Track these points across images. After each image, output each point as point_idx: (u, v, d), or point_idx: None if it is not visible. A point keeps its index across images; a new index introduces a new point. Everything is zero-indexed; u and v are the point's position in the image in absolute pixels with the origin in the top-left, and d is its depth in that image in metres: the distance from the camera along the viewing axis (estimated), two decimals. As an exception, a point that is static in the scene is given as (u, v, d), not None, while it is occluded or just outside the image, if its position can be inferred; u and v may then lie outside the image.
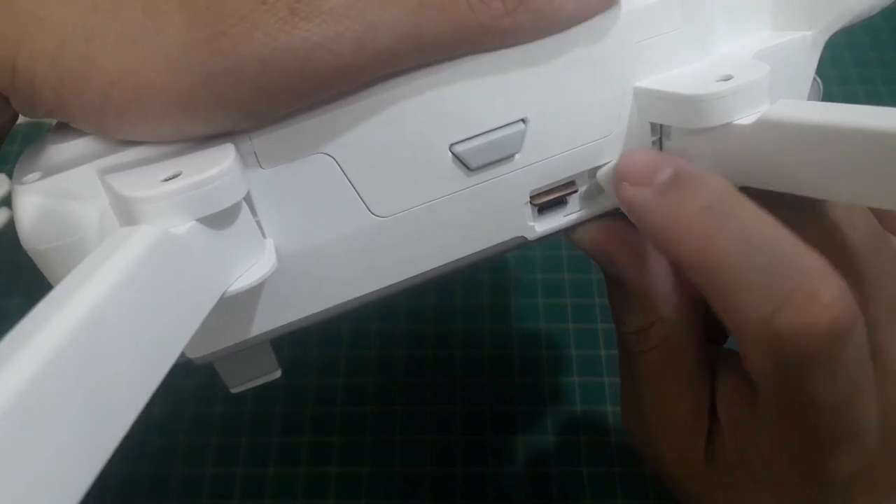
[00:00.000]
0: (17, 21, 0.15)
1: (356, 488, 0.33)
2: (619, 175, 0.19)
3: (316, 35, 0.15)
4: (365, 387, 0.36)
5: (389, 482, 0.33)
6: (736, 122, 0.17)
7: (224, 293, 0.16)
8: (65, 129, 0.17)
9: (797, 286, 0.16)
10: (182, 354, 0.19)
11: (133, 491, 0.34)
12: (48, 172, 0.16)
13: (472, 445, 0.34)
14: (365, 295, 0.20)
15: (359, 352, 0.37)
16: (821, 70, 0.21)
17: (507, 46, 0.17)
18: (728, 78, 0.17)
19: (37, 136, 0.18)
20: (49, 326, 0.12)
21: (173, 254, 0.15)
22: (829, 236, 0.18)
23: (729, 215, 0.17)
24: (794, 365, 0.16)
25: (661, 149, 0.19)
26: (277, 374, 0.22)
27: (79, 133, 0.17)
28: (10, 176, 0.17)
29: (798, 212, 0.18)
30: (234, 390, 0.22)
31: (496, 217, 0.19)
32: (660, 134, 0.19)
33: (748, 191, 0.18)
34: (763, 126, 0.17)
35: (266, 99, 0.16)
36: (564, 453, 0.34)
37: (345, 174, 0.18)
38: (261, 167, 0.17)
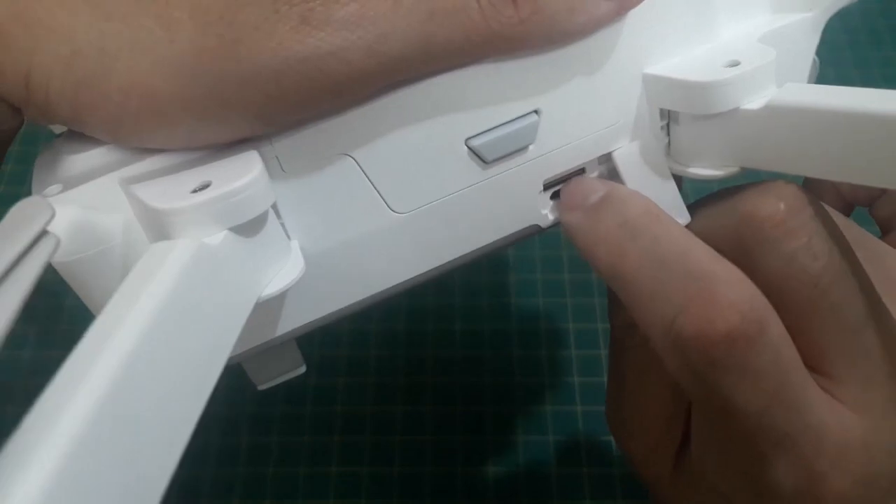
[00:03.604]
0: (29, 32, 0.15)
1: (356, 488, 0.33)
2: (561, 203, 0.20)
3: (327, 44, 0.15)
4: (365, 387, 0.36)
5: (389, 482, 0.33)
6: (744, 108, 0.17)
7: (258, 299, 0.17)
8: (78, 136, 0.17)
9: (698, 292, 0.16)
10: None
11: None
12: (69, 184, 0.16)
13: (471, 445, 0.34)
14: (387, 289, 0.20)
15: (359, 352, 0.37)
16: (821, 71, 0.21)
17: (518, 55, 0.17)
18: (735, 63, 0.17)
19: (36, 137, 0.18)
20: (99, 366, 0.12)
21: (210, 266, 0.15)
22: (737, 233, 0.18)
23: (642, 229, 0.18)
24: (702, 369, 0.16)
25: (668, 134, 0.20)
26: (303, 369, 0.22)
27: (95, 142, 0.17)
28: (9, 173, 0.17)
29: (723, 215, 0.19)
30: (262, 387, 0.22)
31: (511, 207, 0.20)
32: (668, 119, 0.19)
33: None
34: (771, 111, 0.17)
35: (280, 106, 0.16)
36: (564, 453, 0.34)
37: (364, 174, 0.18)
38: (283, 170, 0.17)
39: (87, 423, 0.11)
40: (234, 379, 0.38)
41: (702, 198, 0.20)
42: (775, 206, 0.18)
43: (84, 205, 0.16)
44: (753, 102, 0.17)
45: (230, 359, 0.19)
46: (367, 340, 0.37)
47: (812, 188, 0.19)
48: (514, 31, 0.16)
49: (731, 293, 0.16)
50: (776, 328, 0.17)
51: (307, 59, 0.15)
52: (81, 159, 0.17)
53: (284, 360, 0.22)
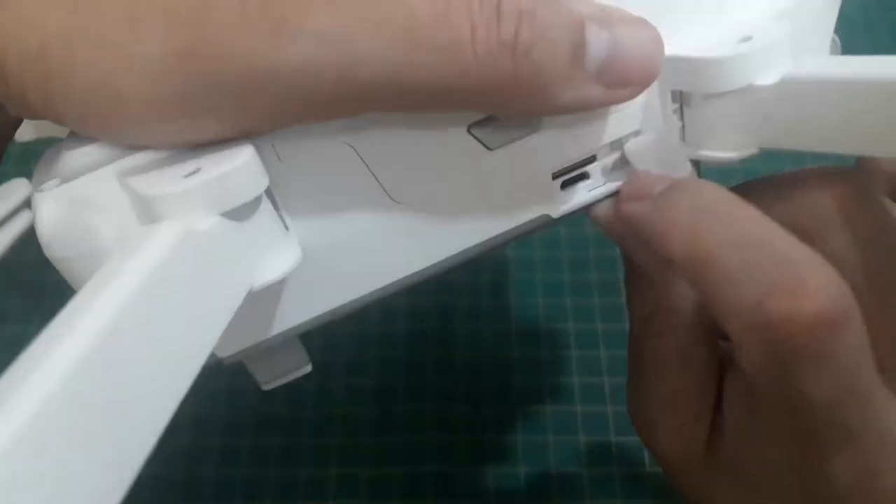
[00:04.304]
0: (1, 25, 0.15)
1: (356, 489, 0.33)
2: (621, 198, 0.19)
3: (296, 60, 0.14)
4: (365, 387, 0.36)
5: (389, 482, 0.34)
6: (758, 84, 0.17)
7: (251, 288, 0.16)
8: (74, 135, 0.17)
9: (785, 276, 0.16)
10: (212, 354, 0.19)
11: (133, 492, 0.33)
12: (66, 178, 0.16)
13: (472, 445, 0.34)
14: (392, 283, 0.19)
15: (358, 352, 0.37)
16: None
17: (492, 113, 0.17)
18: (748, 39, 0.17)
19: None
20: (76, 331, 0.12)
21: (198, 250, 0.14)
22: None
23: (718, 212, 0.17)
24: (782, 356, 0.16)
25: (682, 117, 0.19)
26: (308, 368, 0.22)
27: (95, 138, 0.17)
28: (9, 173, 0.17)
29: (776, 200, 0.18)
30: (266, 387, 0.21)
31: (518, 197, 0.19)
32: (680, 101, 0.19)
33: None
34: (787, 86, 0.17)
35: (249, 118, 0.15)
36: (564, 453, 0.34)
37: (364, 163, 0.17)
38: (279, 159, 0.17)
39: (47, 401, 0.11)
40: (235, 380, 0.38)
41: (742, 185, 0.20)
42: (836, 194, 0.17)
43: (80, 198, 0.16)
44: (767, 78, 0.17)
45: (232, 357, 0.19)
46: (366, 341, 0.37)
47: (863, 173, 0.19)
48: (504, 88, 0.15)
49: (818, 278, 0.16)
50: (859, 317, 0.16)
51: (273, 72, 0.14)
52: (79, 154, 0.16)
53: (289, 358, 0.21)
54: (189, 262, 0.14)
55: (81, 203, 0.16)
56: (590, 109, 0.17)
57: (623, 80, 0.16)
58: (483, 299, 0.38)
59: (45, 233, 0.16)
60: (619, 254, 0.38)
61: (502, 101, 0.16)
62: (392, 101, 0.15)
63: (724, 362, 0.21)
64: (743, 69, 0.17)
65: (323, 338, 0.37)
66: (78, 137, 0.17)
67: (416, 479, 0.34)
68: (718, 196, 0.17)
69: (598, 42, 0.16)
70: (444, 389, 0.36)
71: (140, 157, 0.16)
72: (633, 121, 0.19)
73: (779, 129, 0.18)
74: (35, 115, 0.16)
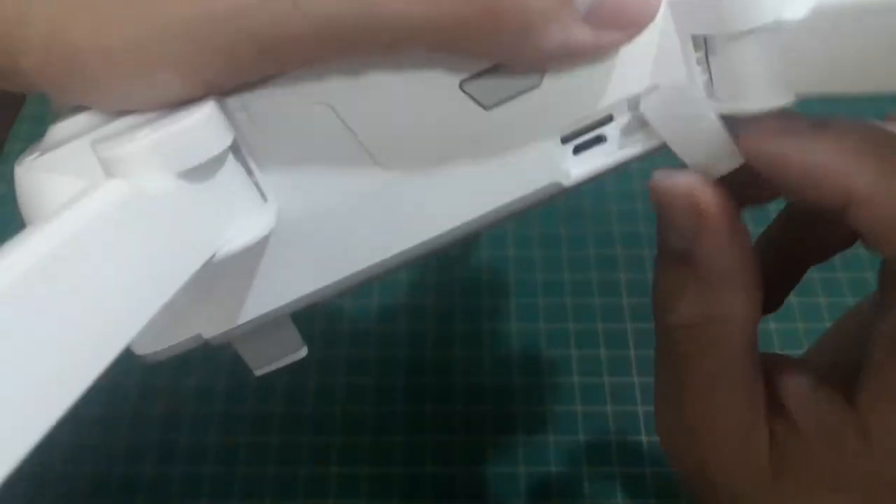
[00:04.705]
0: None
1: (356, 488, 0.33)
2: (767, 132, 0.17)
3: None
4: (365, 387, 0.36)
5: (389, 482, 0.33)
6: (787, 17, 0.15)
7: (215, 255, 0.15)
8: (73, 110, 0.16)
9: None
10: (198, 336, 0.18)
11: (133, 490, 0.34)
12: (45, 151, 0.16)
13: (472, 445, 0.34)
14: (384, 261, 0.18)
15: (359, 352, 0.37)
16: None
17: (479, 54, 0.15)
18: None
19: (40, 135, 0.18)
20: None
21: (147, 209, 0.14)
22: None
23: None
24: None
25: (707, 64, 0.17)
26: (303, 353, 0.20)
27: (80, 109, 0.16)
28: (10, 172, 0.17)
29: None
30: (259, 372, 0.20)
31: (523, 162, 0.17)
32: (704, 48, 0.17)
33: None
34: (820, 17, 0.15)
35: (208, 67, 0.14)
36: (564, 453, 0.34)
37: (345, 124, 0.16)
38: (252, 123, 0.16)
39: None
40: (234, 378, 0.38)
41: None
42: None
43: (56, 168, 0.15)
44: (797, 9, 0.15)
45: (218, 338, 0.18)
46: (367, 340, 0.37)
47: None
48: (480, 24, 0.14)
49: None
50: None
51: (218, 12, 0.13)
52: (63, 126, 0.16)
53: (281, 341, 0.20)
54: (131, 221, 0.14)
55: (58, 173, 0.15)
56: (579, 57, 0.16)
57: (615, 21, 0.15)
58: (483, 299, 0.38)
59: (21, 204, 0.16)
60: (619, 254, 0.38)
61: (479, 42, 0.14)
62: (357, 41, 0.14)
63: (768, 363, 0.19)
64: (766, 1, 0.15)
65: (323, 336, 0.37)
66: (70, 113, 0.16)
67: (415, 479, 0.34)
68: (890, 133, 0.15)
69: None
70: (444, 389, 0.36)
71: (118, 124, 0.16)
72: (648, 73, 0.17)
73: (818, 72, 0.16)
74: (5, 82, 0.15)
